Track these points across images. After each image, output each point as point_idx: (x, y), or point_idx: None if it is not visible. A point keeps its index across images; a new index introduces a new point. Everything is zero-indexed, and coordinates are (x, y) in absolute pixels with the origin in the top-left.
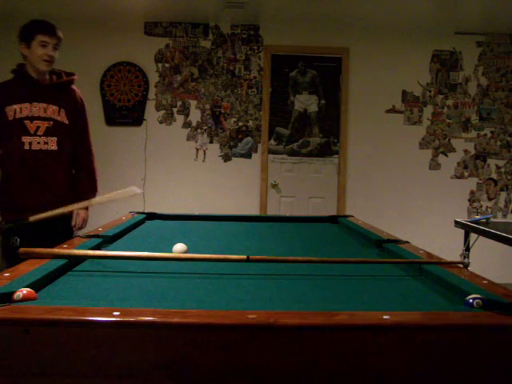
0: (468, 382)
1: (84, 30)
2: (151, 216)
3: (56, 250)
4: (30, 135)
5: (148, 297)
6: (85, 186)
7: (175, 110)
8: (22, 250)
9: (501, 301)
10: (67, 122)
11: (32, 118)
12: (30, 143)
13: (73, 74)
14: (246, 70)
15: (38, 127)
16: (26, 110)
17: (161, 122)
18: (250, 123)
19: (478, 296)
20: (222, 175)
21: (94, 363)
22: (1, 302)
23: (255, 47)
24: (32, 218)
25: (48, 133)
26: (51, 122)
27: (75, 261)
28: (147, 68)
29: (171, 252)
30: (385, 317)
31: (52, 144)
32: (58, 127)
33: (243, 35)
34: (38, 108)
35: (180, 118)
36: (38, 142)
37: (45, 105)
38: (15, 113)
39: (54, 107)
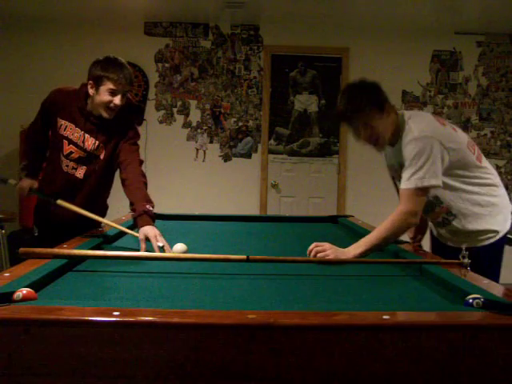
0: (468, 382)
1: (84, 30)
2: None
3: (56, 250)
4: (63, 155)
5: (148, 297)
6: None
7: (175, 109)
8: (21, 250)
9: (501, 301)
10: (102, 157)
11: (70, 141)
12: (62, 162)
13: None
14: (246, 69)
15: (72, 152)
16: (69, 130)
17: (161, 122)
18: (250, 123)
19: (478, 296)
20: (222, 175)
21: (94, 363)
22: (1, 302)
23: (255, 47)
24: (59, 202)
25: (80, 161)
26: (85, 154)
27: (75, 261)
28: (147, 68)
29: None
30: (385, 317)
31: (80, 172)
32: (90, 159)
33: (243, 35)
34: (78, 135)
35: (180, 118)
36: (67, 165)
37: (86, 135)
38: (60, 127)
39: (93, 140)
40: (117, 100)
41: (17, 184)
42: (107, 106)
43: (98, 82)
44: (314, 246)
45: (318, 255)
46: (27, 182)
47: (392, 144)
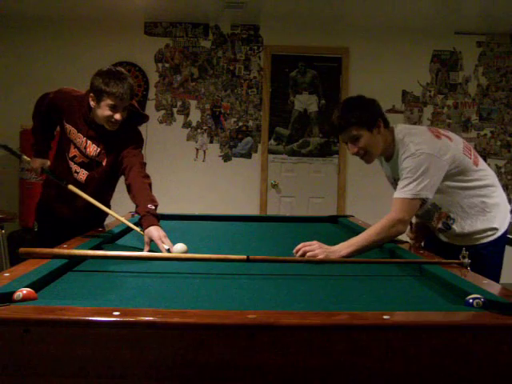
0: (468, 382)
1: (84, 29)
2: None
3: (56, 250)
4: (68, 158)
5: (148, 297)
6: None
7: (175, 109)
8: (21, 249)
9: (501, 301)
10: (104, 164)
11: (75, 145)
12: (68, 163)
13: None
14: (246, 69)
15: (75, 156)
16: (73, 134)
17: (161, 122)
18: (250, 123)
19: (478, 296)
20: (222, 175)
21: (94, 363)
22: (1, 301)
23: (255, 47)
24: (70, 187)
25: (82, 166)
26: (87, 160)
27: (75, 261)
28: (147, 68)
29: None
30: (385, 317)
31: (82, 176)
32: (93, 165)
33: (243, 35)
34: (80, 141)
35: (180, 118)
36: (71, 167)
37: (88, 142)
38: (66, 130)
39: (95, 147)
40: (117, 116)
41: (30, 162)
42: (108, 120)
43: (98, 97)
44: (301, 246)
45: (307, 255)
46: (38, 162)
47: (387, 159)
